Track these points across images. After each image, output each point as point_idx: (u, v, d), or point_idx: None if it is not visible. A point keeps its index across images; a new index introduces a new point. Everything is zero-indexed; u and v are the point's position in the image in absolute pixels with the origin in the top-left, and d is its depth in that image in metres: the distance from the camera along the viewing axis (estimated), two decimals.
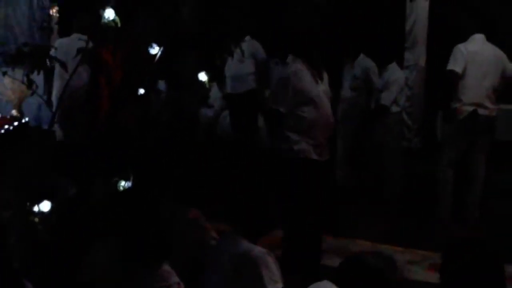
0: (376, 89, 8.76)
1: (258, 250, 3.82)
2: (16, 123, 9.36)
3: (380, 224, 7.38)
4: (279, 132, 5.74)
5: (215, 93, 11.43)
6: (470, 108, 7.36)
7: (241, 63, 9.50)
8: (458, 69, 7.34)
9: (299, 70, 5.69)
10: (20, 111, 9.61)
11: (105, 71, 6.93)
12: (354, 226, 7.49)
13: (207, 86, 5.83)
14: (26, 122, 9.60)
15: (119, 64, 5.55)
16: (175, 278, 3.55)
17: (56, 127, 7.61)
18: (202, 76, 5.73)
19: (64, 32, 9.80)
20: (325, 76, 5.91)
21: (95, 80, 6.62)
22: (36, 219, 4.20)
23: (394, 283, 3.15)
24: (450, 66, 7.38)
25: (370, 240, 6.98)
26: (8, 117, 9.60)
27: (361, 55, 9.01)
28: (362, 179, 8.99)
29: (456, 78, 7.34)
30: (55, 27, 10.62)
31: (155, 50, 5.05)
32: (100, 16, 4.53)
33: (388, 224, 7.48)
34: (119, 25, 4.57)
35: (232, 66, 9.72)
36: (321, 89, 5.74)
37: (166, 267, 3.56)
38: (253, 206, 4.06)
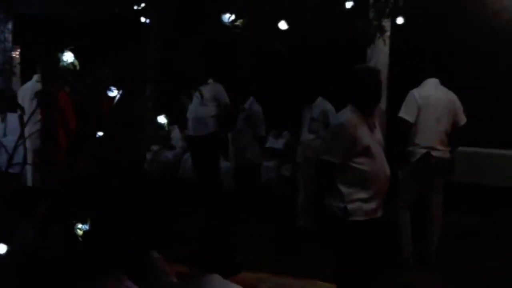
0: None
1: None
2: None
3: None
4: (330, 186, 5.27)
5: (176, 135, 11.49)
6: (423, 151, 7.46)
7: (203, 105, 9.55)
8: (409, 117, 7.46)
9: (354, 118, 5.24)
10: None
11: (61, 114, 6.97)
12: (315, 268, 7.48)
13: (167, 128, 5.77)
14: None
15: (73, 107, 5.56)
16: None
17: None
18: (161, 119, 5.67)
19: (27, 74, 9.79)
20: (377, 124, 5.52)
21: (49, 123, 6.65)
22: None
23: None
24: (401, 114, 7.49)
25: (330, 281, 6.98)
26: None
27: (319, 98, 9.08)
28: (323, 220, 8.98)
29: (408, 126, 7.45)
30: (17, 69, 10.61)
31: (113, 93, 5.05)
32: (59, 59, 4.53)
33: None
34: (77, 68, 4.58)
35: (193, 108, 9.77)
36: (375, 138, 5.35)
37: None
38: (217, 248, 4.07)
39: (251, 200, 10.09)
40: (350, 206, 5.16)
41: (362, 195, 5.19)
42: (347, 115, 5.27)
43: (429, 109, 7.46)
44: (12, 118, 10.25)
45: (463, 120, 7.62)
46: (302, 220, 9.08)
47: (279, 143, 10.69)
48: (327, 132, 5.80)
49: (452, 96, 7.60)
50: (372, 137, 5.26)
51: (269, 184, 10.55)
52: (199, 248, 4.17)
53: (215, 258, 4.04)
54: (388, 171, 5.36)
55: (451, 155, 7.62)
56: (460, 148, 8.01)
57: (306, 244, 8.41)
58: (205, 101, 9.45)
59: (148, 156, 10.60)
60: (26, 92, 7.71)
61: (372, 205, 5.25)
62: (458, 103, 7.60)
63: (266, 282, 6.86)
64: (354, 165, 5.16)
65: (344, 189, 5.18)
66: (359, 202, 5.18)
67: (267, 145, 10.80)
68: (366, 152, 5.17)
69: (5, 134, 10.57)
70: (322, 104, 9.05)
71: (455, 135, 7.62)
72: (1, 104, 9.83)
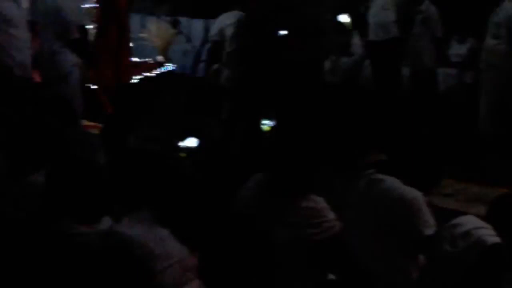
0: None
1: (414, 192, 3.78)
2: (162, 69, 9.75)
3: None
4: None
5: (357, 41, 11.36)
6: None
7: (385, 10, 9.39)
8: None
9: None
10: (166, 57, 9.94)
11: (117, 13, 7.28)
12: (496, 176, 7.31)
13: (349, 28, 5.68)
14: (171, 68, 9.96)
15: None
16: (332, 215, 3.58)
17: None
18: (344, 18, 5.57)
19: None
20: None
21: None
22: (183, 154, 4.36)
23: None
24: None
25: None
26: (155, 62, 9.99)
27: (506, 1, 8.65)
28: (507, 126, 8.69)
29: None
30: None
31: None
32: None
33: None
34: None
35: (375, 13, 9.63)
36: None
37: (323, 203, 3.58)
38: (421, 158, 3.98)
39: (429, 107, 9.91)
40: None
41: None
42: None
43: None
44: (197, 24, 10.54)
45: None
46: (484, 129, 8.83)
47: (462, 49, 10.35)
48: None
49: None
50: None
51: (449, 92, 10.30)
52: (399, 157, 4.08)
53: (417, 168, 3.96)
54: None
55: None
56: None
57: (487, 153, 8.20)
58: (387, 5, 9.30)
59: (327, 63, 10.56)
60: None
61: None
62: None
63: (447, 188, 6.78)
64: None
65: None
66: None
67: (450, 51, 10.49)
68: None
69: (189, 40, 10.90)
70: (508, 7, 8.64)
71: None
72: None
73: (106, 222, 3.38)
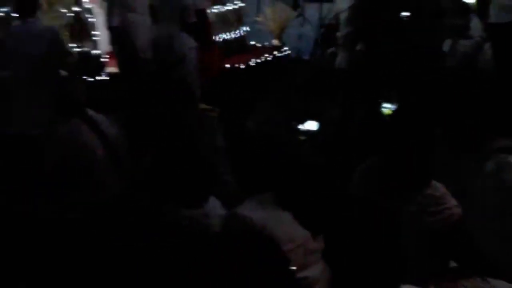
0: None
1: None
2: (276, 52, 9.78)
3: None
4: None
5: (475, 23, 11.04)
6: None
7: None
8: None
9: None
10: (281, 41, 9.95)
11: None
12: None
13: (472, 10, 5.55)
14: (287, 51, 9.99)
15: None
16: (453, 201, 3.49)
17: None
18: None
19: None
20: None
21: None
22: (303, 137, 4.34)
23: None
24: None
25: None
26: (270, 46, 10.03)
27: None
28: None
29: None
30: None
31: None
32: None
33: None
34: None
35: None
36: None
37: (443, 189, 3.50)
38: None
39: None
40: None
41: None
42: None
43: None
44: (312, 8, 10.49)
45: None
46: None
47: None
48: None
49: None
50: None
51: None
52: None
53: None
54: None
55: None
56: None
57: None
58: None
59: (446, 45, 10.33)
60: None
61: None
62: None
63: None
64: None
65: None
66: None
67: None
68: None
69: (303, 24, 10.87)
70: None
71: None
72: None
73: (211, 205, 3.40)
